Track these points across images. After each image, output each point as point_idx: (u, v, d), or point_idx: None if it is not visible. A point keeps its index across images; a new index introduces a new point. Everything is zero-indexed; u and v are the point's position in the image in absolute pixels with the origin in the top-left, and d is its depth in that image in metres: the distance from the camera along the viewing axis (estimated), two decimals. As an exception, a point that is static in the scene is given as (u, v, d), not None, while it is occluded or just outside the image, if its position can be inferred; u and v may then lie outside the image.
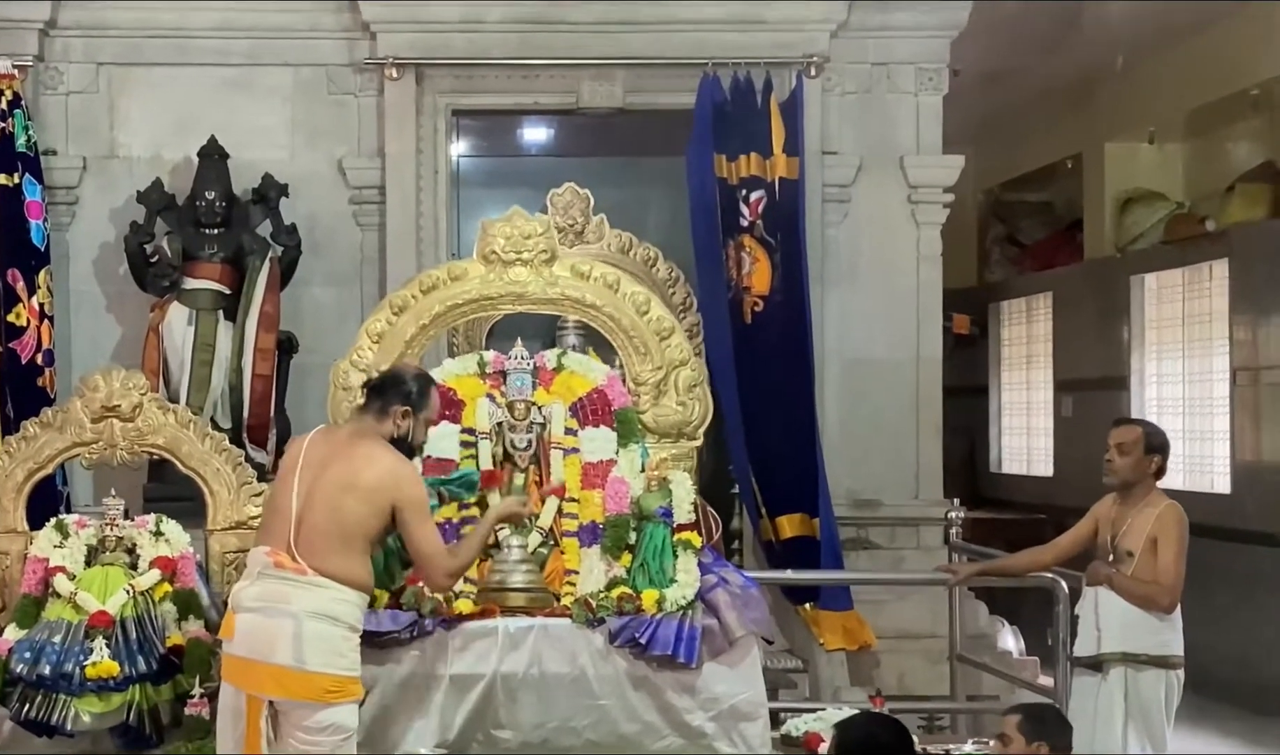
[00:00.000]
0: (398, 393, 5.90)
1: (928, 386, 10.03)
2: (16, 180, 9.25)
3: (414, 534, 5.75)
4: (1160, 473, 7.13)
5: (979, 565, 7.93)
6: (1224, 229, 11.88)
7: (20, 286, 9.18)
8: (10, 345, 9.13)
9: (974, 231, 15.98)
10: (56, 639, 6.21)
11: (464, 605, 6.27)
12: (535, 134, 11.82)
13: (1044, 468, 15.00)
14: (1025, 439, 15.54)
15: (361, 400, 6.02)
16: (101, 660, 6.16)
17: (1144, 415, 12.67)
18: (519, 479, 6.72)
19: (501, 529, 6.50)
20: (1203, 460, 12.18)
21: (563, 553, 6.59)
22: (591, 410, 6.78)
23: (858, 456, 9.83)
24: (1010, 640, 9.76)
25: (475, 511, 6.58)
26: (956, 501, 9.48)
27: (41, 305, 9.24)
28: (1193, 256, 12.40)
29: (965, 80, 10.54)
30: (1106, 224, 13.61)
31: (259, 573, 5.65)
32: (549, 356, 6.91)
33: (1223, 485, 11.70)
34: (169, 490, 8.10)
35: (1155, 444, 7.11)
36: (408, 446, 5.91)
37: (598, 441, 6.71)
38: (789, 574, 8.38)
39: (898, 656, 9.24)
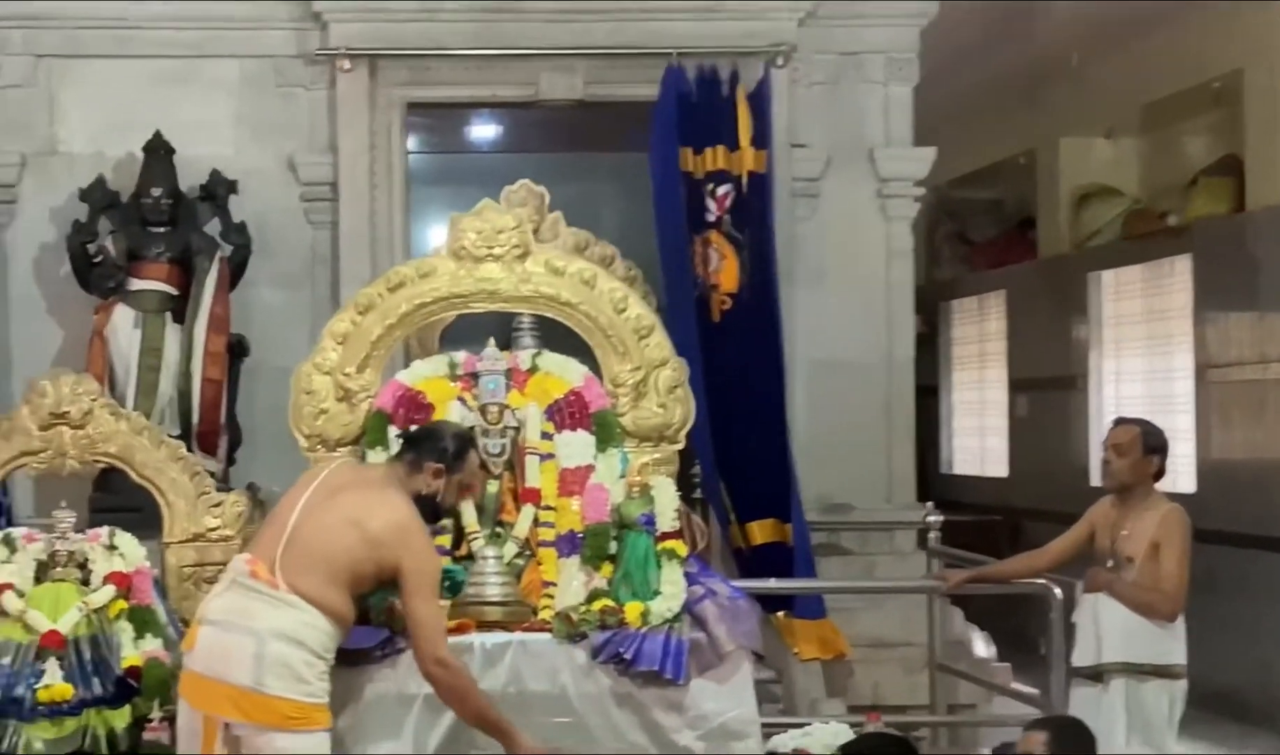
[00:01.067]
0: (433, 448, 5.65)
1: (899, 388, 9.85)
2: (-48, 179, 8.90)
3: (412, 605, 5.38)
4: (1160, 474, 6.94)
5: (971, 572, 7.68)
6: (1186, 224, 11.75)
7: (-46, 290, 8.83)
8: (-53, 351, 8.79)
9: (923, 229, 15.78)
10: (5, 661, 5.84)
11: (438, 620, 5.93)
12: (489, 129, 11.56)
13: (998, 469, 14.90)
14: (979, 439, 15.42)
15: (394, 450, 5.77)
16: (54, 683, 5.80)
17: (1103, 414, 12.58)
18: (492, 486, 6.35)
19: (475, 540, 6.17)
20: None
21: (540, 564, 6.23)
22: (568, 413, 6.43)
23: (828, 460, 9.59)
24: (983, 647, 9.56)
25: (447, 521, 6.17)
26: (931, 504, 9.25)
27: (-22, 310, 8.90)
28: (1153, 252, 12.29)
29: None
30: (1061, 220, 13.49)
31: (232, 581, 5.36)
32: (523, 357, 6.58)
33: (1187, 485, 11.54)
34: (117, 501, 7.74)
35: (1154, 444, 6.89)
36: (434, 507, 5.65)
37: (575, 446, 6.36)
38: (772, 583, 8.11)
39: (872, 666, 9.01)
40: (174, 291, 9.10)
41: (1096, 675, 6.74)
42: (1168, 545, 6.68)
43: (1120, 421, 7.19)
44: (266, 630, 5.22)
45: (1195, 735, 7.16)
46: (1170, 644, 6.70)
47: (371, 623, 5.80)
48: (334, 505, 5.40)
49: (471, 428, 6.31)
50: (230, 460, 9.10)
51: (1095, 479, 12.33)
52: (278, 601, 5.26)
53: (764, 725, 6.37)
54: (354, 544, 5.34)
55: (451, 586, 5.91)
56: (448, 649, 5.43)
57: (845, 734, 6.37)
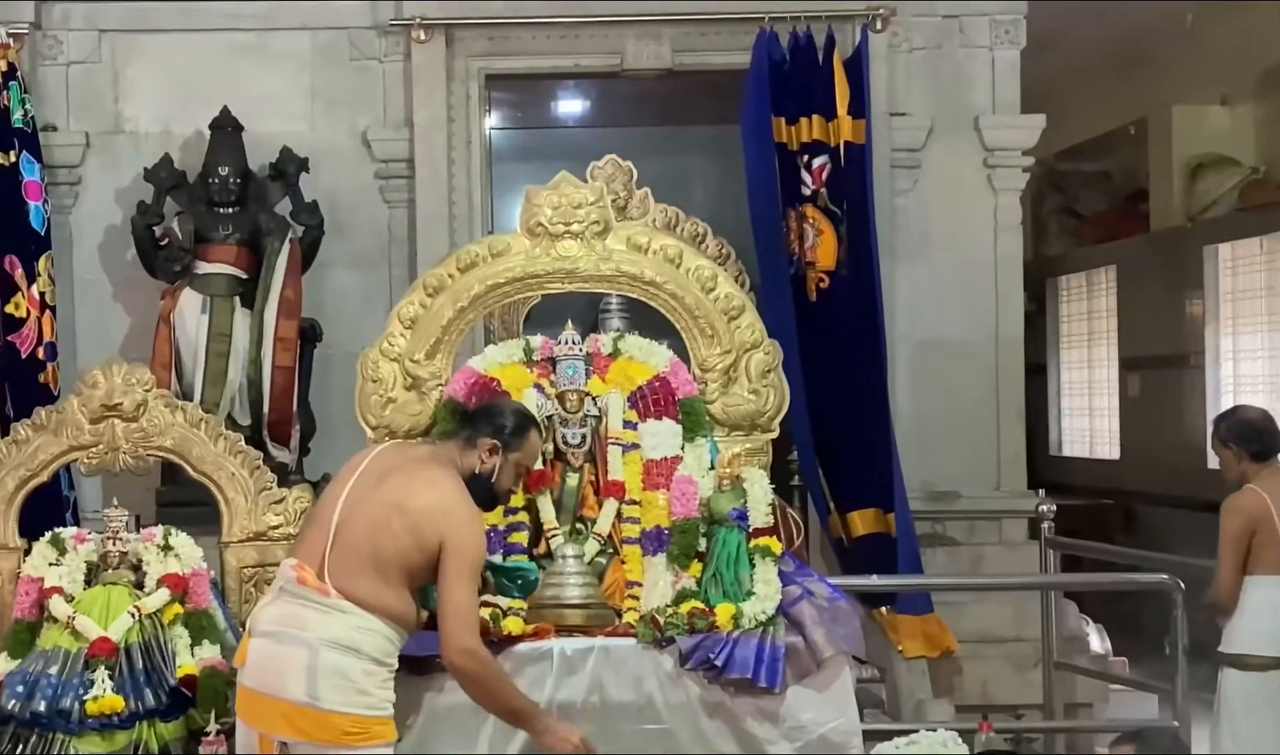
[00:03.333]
0: (490, 424, 5.29)
1: (1008, 368, 9.40)
2: (13, 159, 8.60)
3: (448, 584, 4.97)
4: (1258, 457, 6.81)
5: None
6: (1309, 193, 11.30)
7: (19, 274, 8.55)
8: (9, 338, 8.53)
9: (1029, 203, 15.38)
10: (53, 670, 5.60)
11: (514, 625, 5.59)
12: (573, 103, 11.25)
13: (1109, 450, 14.46)
14: (1088, 420, 14.99)
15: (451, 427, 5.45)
16: (104, 694, 5.56)
17: (1220, 394, 12.22)
18: (572, 479, 6.02)
19: (554, 537, 5.86)
20: (1287, 440, 11.56)
21: (624, 562, 5.91)
22: (653, 400, 6.07)
23: (933, 445, 9.19)
24: (1099, 641, 9.14)
25: (524, 516, 5.90)
26: (1043, 492, 8.82)
27: (42, 294, 8.62)
28: (1272, 224, 11.88)
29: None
30: (1175, 192, 13.08)
31: (280, 589, 5.03)
32: (604, 340, 6.23)
33: (1311, 466, 11.03)
34: (185, 494, 7.36)
35: (1222, 436, 6.92)
36: (490, 490, 5.27)
37: (661, 436, 6.01)
38: (874, 580, 7.71)
39: (981, 663, 8.66)
40: (243, 275, 8.80)
41: None
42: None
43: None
44: (319, 640, 4.89)
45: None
46: (1232, 633, 6.71)
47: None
48: (378, 493, 5.04)
49: (550, 416, 5.98)
50: (304, 450, 8.83)
51: (1213, 461, 11.95)
52: (328, 608, 4.93)
53: (865, 732, 6.00)
54: (398, 531, 4.99)
55: (524, 586, 5.57)
56: (478, 639, 5.05)
57: (954, 744, 5.97)
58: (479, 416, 5.36)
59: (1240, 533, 6.65)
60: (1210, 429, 7.00)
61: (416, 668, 5.35)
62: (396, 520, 4.98)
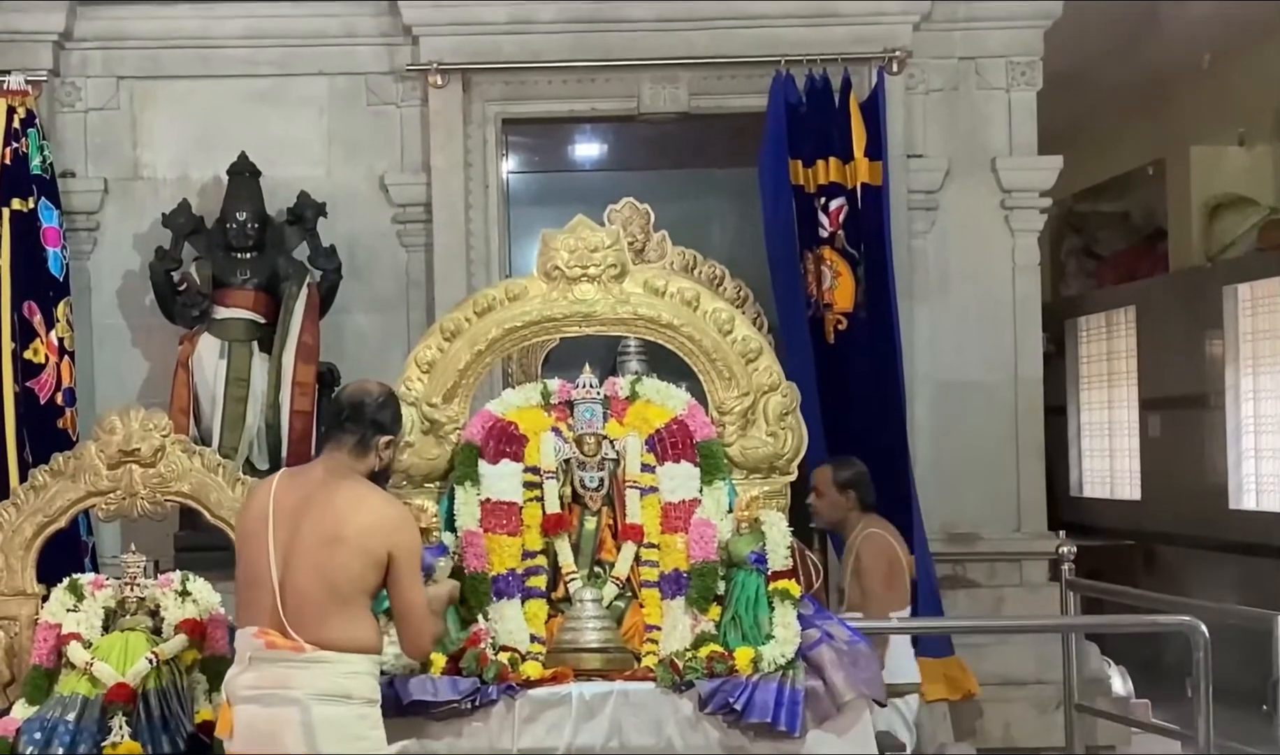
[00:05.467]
0: (373, 423, 5.17)
1: (1028, 409, 9.35)
2: (32, 205, 8.66)
3: (405, 589, 4.98)
4: (869, 507, 7.49)
5: None
6: (1328, 234, 11.23)
7: (37, 320, 8.59)
8: (28, 384, 8.55)
9: (1047, 244, 15.34)
10: (70, 716, 5.58)
11: (532, 669, 5.59)
12: (590, 147, 11.23)
13: (1129, 491, 14.36)
14: (1108, 461, 14.89)
15: (332, 430, 5.24)
16: (121, 740, 5.54)
17: (1241, 433, 12.09)
18: (590, 522, 6.02)
19: (572, 581, 5.85)
20: (1307, 481, 11.53)
21: (642, 606, 5.89)
22: (671, 444, 6.04)
23: (952, 487, 9.15)
24: (1120, 683, 9.09)
25: (542, 560, 5.91)
26: (1064, 534, 8.77)
27: (61, 340, 8.65)
28: None
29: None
30: (1193, 232, 13.00)
31: (250, 658, 4.94)
32: (622, 384, 6.22)
33: (1328, 506, 11.03)
34: (204, 539, 7.35)
35: (844, 482, 7.46)
36: (385, 476, 5.25)
37: (679, 479, 5.99)
38: (894, 623, 7.64)
39: (1002, 706, 8.64)
40: (261, 319, 8.82)
41: None
42: None
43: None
44: (308, 695, 4.86)
45: None
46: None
47: (461, 672, 5.50)
48: (304, 532, 4.97)
49: (567, 460, 5.98)
50: (321, 495, 8.77)
51: (1234, 501, 11.90)
52: (309, 662, 4.88)
53: (889, 778, 5.97)
54: (346, 560, 4.93)
55: (425, 569, 5.49)
56: (433, 622, 5.20)
57: (975, 786, 5.95)
58: (361, 418, 5.16)
59: (889, 570, 7.28)
60: (830, 472, 7.44)
61: (435, 714, 5.37)
62: (340, 551, 4.92)
